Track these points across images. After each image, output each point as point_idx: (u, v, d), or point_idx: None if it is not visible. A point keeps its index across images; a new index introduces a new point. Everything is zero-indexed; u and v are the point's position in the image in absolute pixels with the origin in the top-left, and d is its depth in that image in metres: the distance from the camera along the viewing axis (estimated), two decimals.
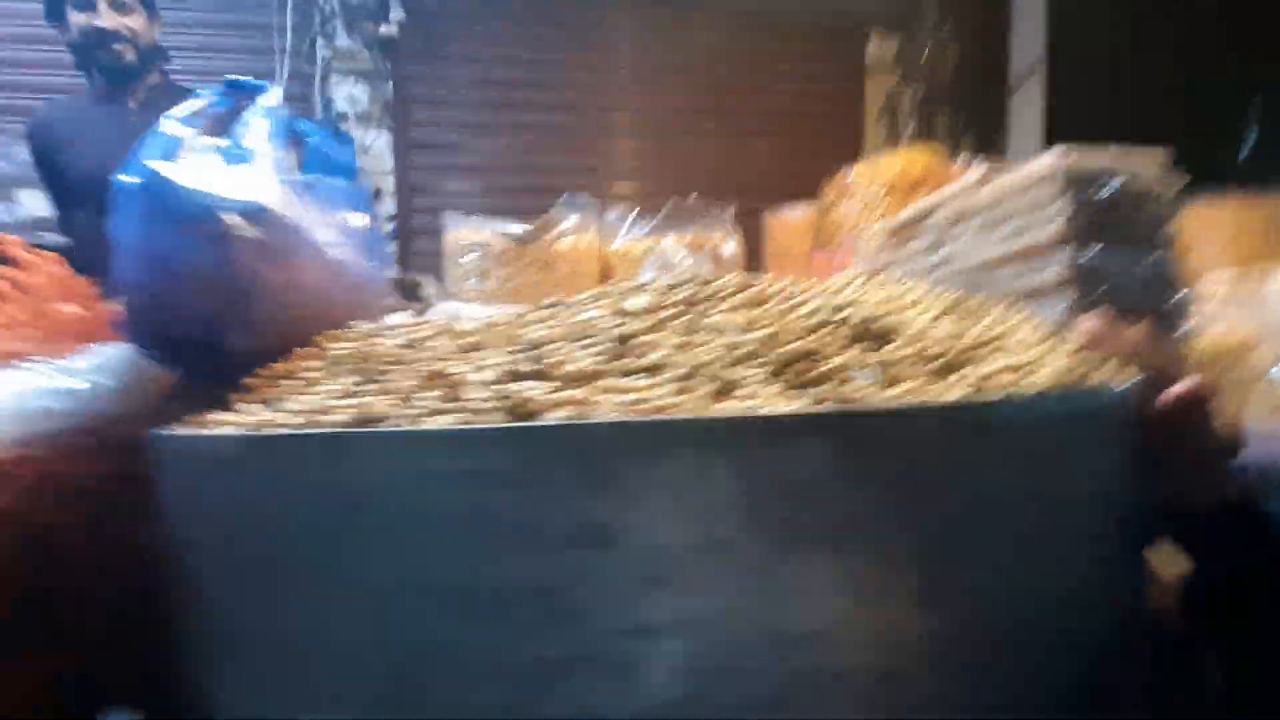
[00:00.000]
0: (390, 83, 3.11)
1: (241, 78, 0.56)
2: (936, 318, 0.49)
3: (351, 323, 0.53)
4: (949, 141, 3.35)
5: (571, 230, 1.48)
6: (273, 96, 0.55)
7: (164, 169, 0.45)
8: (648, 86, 3.23)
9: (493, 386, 0.37)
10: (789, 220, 2.37)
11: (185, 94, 2.14)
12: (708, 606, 0.30)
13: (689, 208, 1.66)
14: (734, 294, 0.45)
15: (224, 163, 0.49)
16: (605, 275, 1.56)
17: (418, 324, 0.51)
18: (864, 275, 0.67)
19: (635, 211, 1.65)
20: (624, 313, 0.43)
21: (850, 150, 3.41)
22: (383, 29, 3.00)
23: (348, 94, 3.07)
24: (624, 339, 0.39)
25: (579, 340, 0.40)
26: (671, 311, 0.42)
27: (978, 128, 3.40)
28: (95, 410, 0.44)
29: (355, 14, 3.03)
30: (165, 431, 0.40)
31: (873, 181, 2.28)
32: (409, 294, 1.56)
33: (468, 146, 3.21)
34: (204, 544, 0.39)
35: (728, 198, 3.22)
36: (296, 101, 3.03)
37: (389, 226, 3.18)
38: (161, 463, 0.40)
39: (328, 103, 3.03)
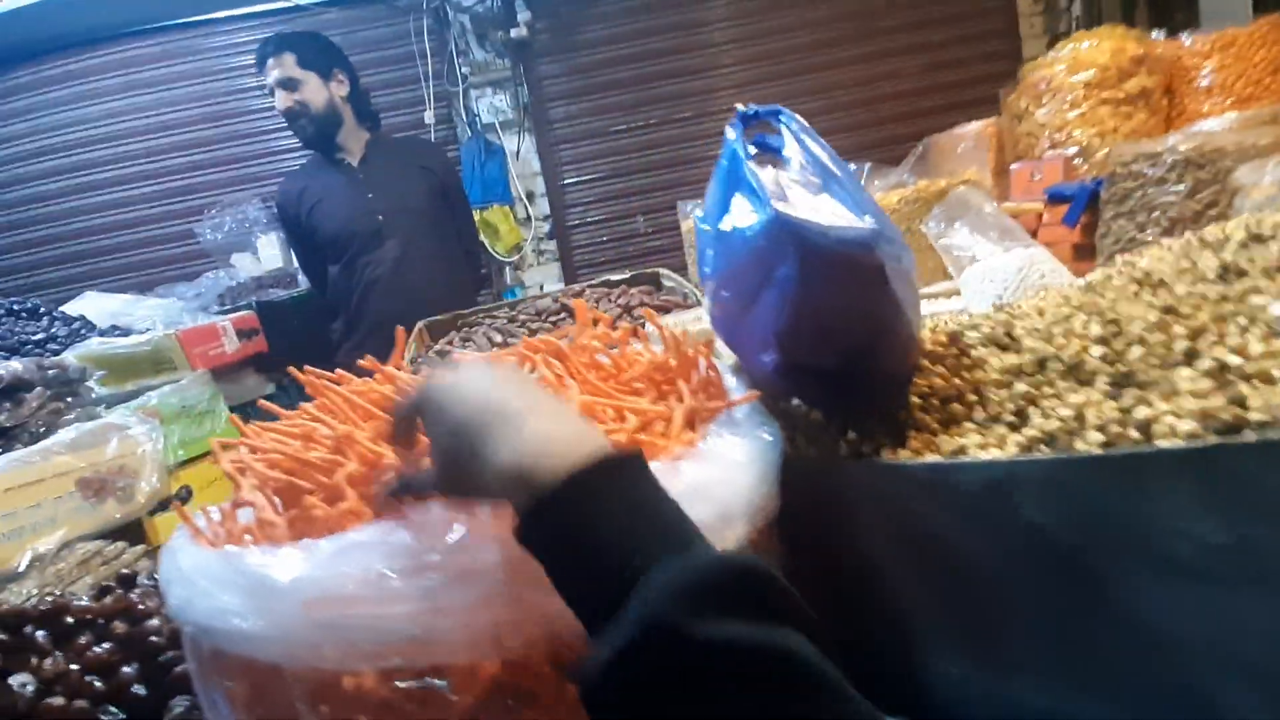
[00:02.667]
0: (524, 85, 3.15)
1: (751, 106, 0.56)
2: None
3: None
4: (1123, 20, 3.03)
5: None
6: (789, 117, 0.55)
7: (792, 211, 0.46)
8: (779, 24, 3.11)
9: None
10: (962, 136, 2.16)
11: (398, 143, 2.28)
12: None
13: (938, 144, 1.58)
14: None
15: (811, 194, 0.49)
16: None
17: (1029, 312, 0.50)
18: None
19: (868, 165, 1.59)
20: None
21: (1007, 51, 3.16)
22: (513, 33, 3.04)
23: (489, 104, 3.14)
24: None
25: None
26: None
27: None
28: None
29: (484, 24, 3.08)
30: (927, 461, 0.41)
31: (1074, 74, 2.04)
32: (653, 285, 1.58)
33: (606, 131, 3.22)
34: (983, 562, 0.40)
35: (882, 125, 3.07)
36: (445, 123, 3.14)
37: (546, 226, 3.26)
38: (919, 491, 0.42)
39: (473, 117, 3.12)
